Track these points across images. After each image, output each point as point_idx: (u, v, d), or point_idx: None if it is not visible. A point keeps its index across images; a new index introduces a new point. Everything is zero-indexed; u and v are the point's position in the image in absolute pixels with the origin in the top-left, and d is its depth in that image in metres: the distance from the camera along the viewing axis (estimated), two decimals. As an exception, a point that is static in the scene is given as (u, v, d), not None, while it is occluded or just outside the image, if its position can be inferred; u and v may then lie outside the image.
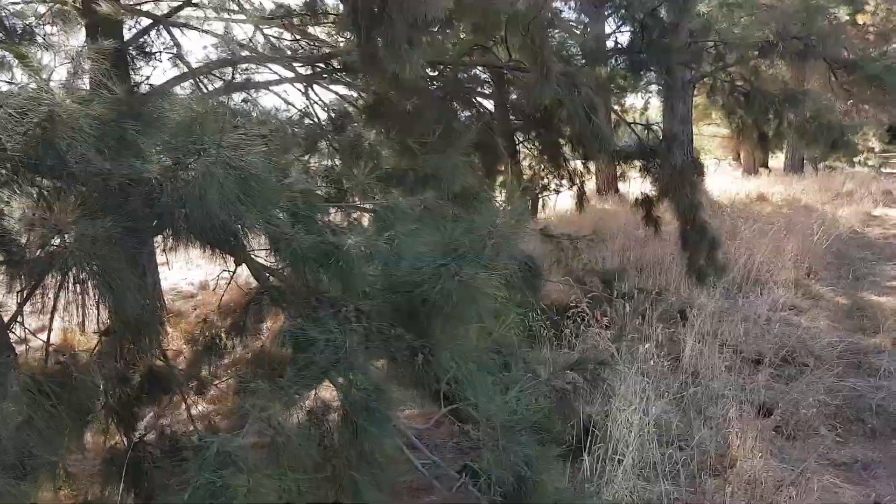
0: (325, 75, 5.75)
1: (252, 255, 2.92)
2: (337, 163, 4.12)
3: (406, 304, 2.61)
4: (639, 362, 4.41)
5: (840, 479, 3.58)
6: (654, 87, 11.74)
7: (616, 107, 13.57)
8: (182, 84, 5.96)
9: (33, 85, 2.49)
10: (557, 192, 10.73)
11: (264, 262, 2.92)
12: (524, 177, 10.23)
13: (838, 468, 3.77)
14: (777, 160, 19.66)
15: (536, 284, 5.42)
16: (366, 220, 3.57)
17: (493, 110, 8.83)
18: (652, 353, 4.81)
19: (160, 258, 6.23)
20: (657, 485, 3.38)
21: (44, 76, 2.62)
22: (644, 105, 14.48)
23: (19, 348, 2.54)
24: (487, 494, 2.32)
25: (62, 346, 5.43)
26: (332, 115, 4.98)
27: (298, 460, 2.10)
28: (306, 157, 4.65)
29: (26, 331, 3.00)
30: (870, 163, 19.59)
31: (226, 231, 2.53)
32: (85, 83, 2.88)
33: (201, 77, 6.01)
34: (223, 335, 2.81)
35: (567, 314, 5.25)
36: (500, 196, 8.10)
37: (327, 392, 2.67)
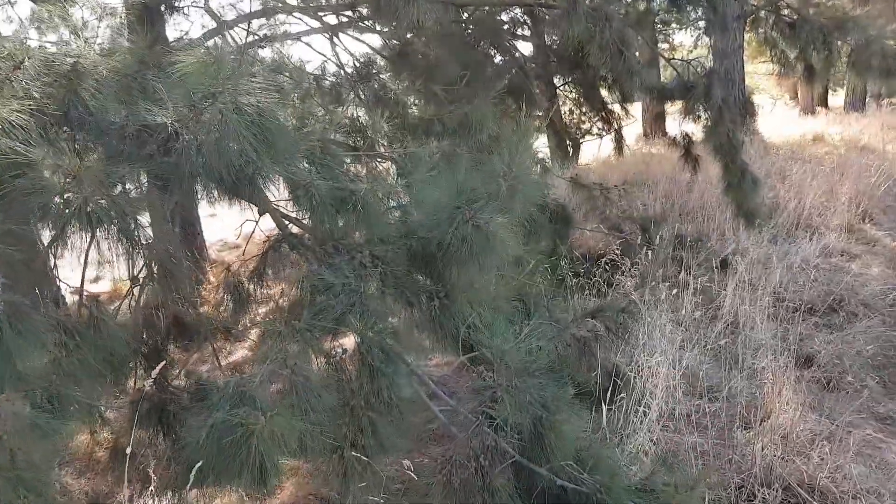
0: (351, 25, 5.71)
1: (275, 205, 3.00)
2: (361, 113, 4.12)
3: (422, 250, 2.65)
4: (670, 311, 4.38)
5: (883, 433, 3.53)
6: (703, 24, 11.28)
7: (664, 45, 13.12)
8: (215, 38, 6.01)
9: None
10: (600, 136, 10.53)
11: (285, 211, 2.99)
12: (564, 122, 10.07)
13: (882, 422, 3.72)
14: (837, 98, 18.78)
15: (566, 231, 5.40)
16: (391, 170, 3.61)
17: (530, 54, 8.65)
18: (688, 300, 4.77)
19: (209, 210, 6.38)
20: (684, 436, 3.40)
21: (84, 34, 2.69)
22: (694, 43, 13.92)
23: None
24: (506, 438, 2.38)
25: (113, 295, 5.69)
26: (358, 64, 4.95)
27: (316, 402, 2.19)
28: (330, 107, 4.67)
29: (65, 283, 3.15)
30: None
31: (243, 178, 2.59)
32: (121, 38, 2.96)
33: (231, 30, 6.04)
34: (245, 282, 2.91)
35: (599, 262, 5.23)
36: (535, 144, 8.01)
37: (350, 339, 2.76)
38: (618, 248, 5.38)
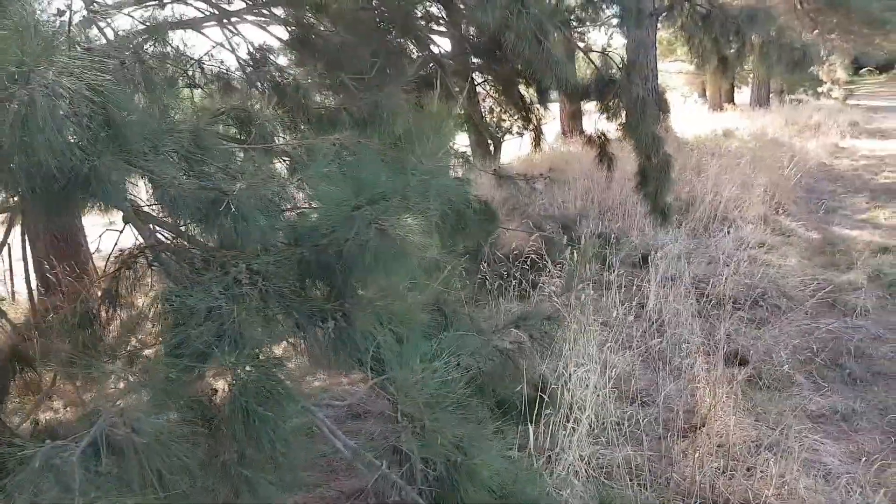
0: (249, 11, 5.13)
1: (142, 210, 2.44)
2: (255, 104, 3.58)
3: (316, 259, 2.17)
4: (595, 313, 4.06)
5: (820, 434, 3.30)
6: (616, 21, 11.21)
7: (580, 43, 13.02)
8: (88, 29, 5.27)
9: None
10: (520, 134, 10.26)
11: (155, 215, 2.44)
12: (484, 119, 9.73)
13: (817, 421, 3.50)
14: (743, 95, 19.36)
15: (491, 230, 5.02)
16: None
17: (449, 50, 8.25)
18: (612, 300, 4.48)
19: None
20: (617, 450, 3.06)
21: None
22: (608, 41, 13.92)
23: None
24: (414, 484, 1.93)
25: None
26: (252, 49, 4.41)
27: (174, 464, 1.67)
28: (213, 95, 4.08)
29: None
30: (834, 94, 19.35)
31: (78, 179, 2.03)
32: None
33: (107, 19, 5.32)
34: (98, 306, 2.33)
35: (523, 262, 4.87)
36: (455, 140, 7.62)
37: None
38: (541, 248, 5.05)
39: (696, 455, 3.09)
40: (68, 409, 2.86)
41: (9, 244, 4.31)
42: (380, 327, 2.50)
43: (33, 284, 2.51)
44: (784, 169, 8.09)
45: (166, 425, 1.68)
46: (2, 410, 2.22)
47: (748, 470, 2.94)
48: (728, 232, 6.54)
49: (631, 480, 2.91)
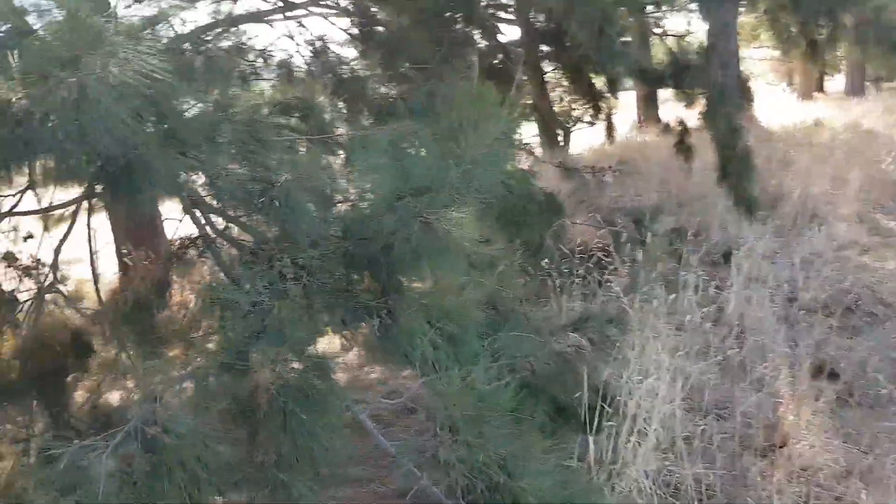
0: (313, 3, 5.11)
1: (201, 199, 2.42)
2: (315, 95, 3.54)
3: (361, 254, 2.08)
4: (667, 314, 3.81)
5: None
6: (695, 5, 10.70)
7: (655, 28, 12.52)
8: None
9: None
10: (591, 124, 9.95)
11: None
12: (552, 109, 9.48)
13: (918, 446, 3.16)
14: (835, 83, 18.19)
15: (555, 224, 4.83)
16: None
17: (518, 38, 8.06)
18: (687, 302, 4.22)
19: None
20: (687, 467, 2.85)
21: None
22: (686, 27, 13.32)
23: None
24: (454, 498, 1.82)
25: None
26: (312, 36, 4.39)
27: (205, 463, 1.62)
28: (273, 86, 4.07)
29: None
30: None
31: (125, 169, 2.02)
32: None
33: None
34: (150, 294, 2.33)
35: (589, 258, 4.66)
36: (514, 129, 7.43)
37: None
38: (609, 243, 4.83)
39: (776, 478, 2.85)
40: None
41: (93, 228, 4.44)
42: (429, 325, 2.42)
43: (98, 269, 2.55)
44: (882, 163, 7.49)
45: (196, 424, 1.63)
46: (65, 392, 2.25)
47: (836, 500, 2.68)
48: (818, 230, 6.10)
49: (700, 502, 2.70)
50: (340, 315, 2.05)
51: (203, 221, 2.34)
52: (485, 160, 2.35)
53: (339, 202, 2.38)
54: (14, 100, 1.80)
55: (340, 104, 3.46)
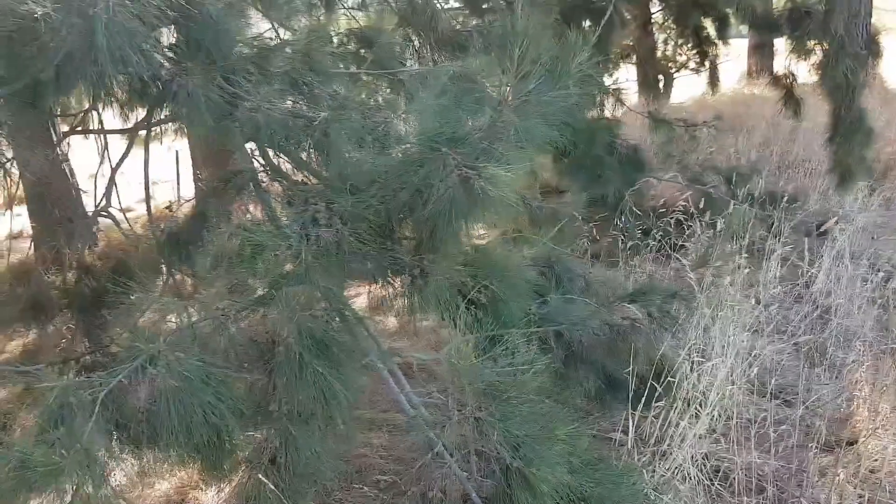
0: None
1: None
2: (382, 24, 3.30)
3: (397, 206, 1.92)
4: (747, 287, 3.47)
5: None
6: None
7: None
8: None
9: None
10: (696, 71, 9.17)
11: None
12: (655, 52, 8.76)
13: None
14: None
15: (636, 179, 4.47)
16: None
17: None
18: (771, 273, 3.83)
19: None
20: (740, 454, 2.60)
21: None
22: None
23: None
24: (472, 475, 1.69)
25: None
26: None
27: (208, 410, 1.55)
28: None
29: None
30: None
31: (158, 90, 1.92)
32: None
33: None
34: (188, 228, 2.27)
35: (669, 219, 4.29)
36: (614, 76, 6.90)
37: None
38: (694, 205, 4.42)
39: (838, 478, 2.56)
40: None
41: (177, 151, 4.46)
42: (473, 281, 2.25)
43: (152, 196, 2.53)
44: None
45: (204, 368, 1.55)
46: (102, 319, 2.27)
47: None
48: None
49: (749, 495, 2.47)
50: (370, 268, 1.91)
51: (251, 155, 2.23)
52: (554, 105, 2.10)
53: (386, 146, 2.21)
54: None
55: (414, 37, 3.23)
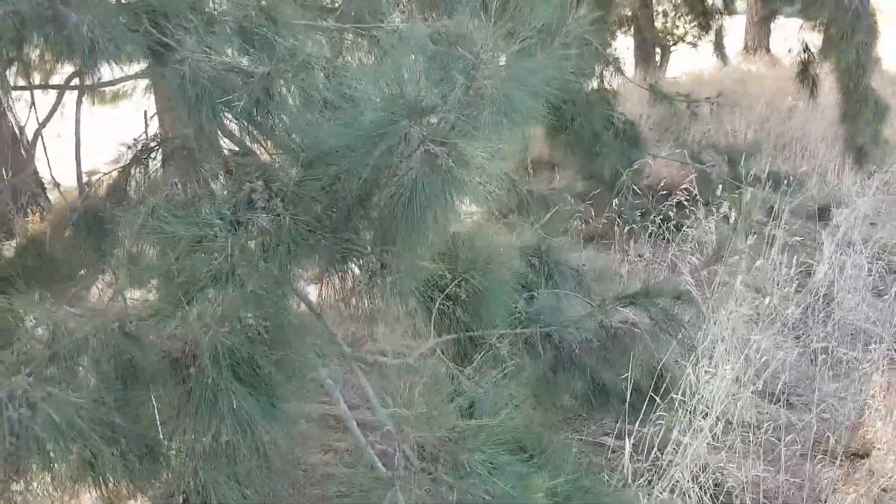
0: None
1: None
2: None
3: (351, 189, 1.48)
4: (745, 273, 3.04)
5: None
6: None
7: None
8: None
9: None
10: (693, 44, 8.63)
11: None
12: (653, 21, 8.20)
13: None
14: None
15: (634, 156, 4.02)
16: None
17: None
18: (774, 262, 3.42)
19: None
20: (744, 466, 2.23)
21: None
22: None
23: None
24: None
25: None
26: None
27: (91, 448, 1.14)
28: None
29: None
30: None
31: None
32: None
33: None
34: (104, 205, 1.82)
35: (667, 200, 3.85)
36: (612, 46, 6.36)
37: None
38: (694, 184, 3.99)
39: (850, 497, 2.20)
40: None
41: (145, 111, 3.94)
42: (451, 275, 1.83)
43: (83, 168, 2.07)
44: None
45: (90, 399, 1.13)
46: None
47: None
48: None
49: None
50: (318, 261, 1.48)
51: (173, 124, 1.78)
52: (545, 70, 1.65)
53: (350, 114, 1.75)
54: None
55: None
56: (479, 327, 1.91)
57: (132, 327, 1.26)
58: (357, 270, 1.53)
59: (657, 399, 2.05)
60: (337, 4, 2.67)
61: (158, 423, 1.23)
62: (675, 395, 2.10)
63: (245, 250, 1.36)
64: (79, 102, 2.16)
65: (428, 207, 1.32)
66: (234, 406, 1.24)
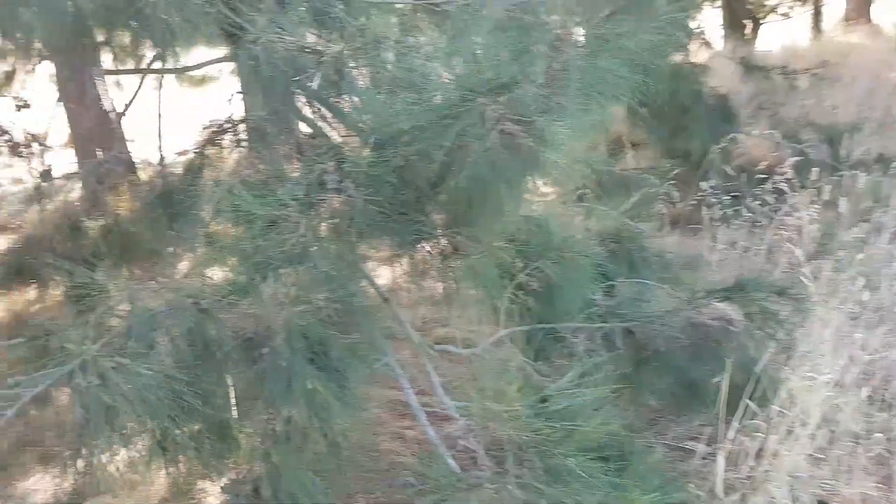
0: None
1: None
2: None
3: (427, 167, 1.42)
4: (851, 267, 2.78)
5: None
6: None
7: None
8: None
9: None
10: (787, 16, 8.05)
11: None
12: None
13: None
14: None
15: (723, 134, 3.75)
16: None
17: None
18: (888, 253, 3.11)
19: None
20: (851, 481, 2.03)
21: None
22: None
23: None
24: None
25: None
26: None
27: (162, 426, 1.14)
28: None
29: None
30: None
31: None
32: None
33: None
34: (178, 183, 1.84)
35: (761, 181, 3.57)
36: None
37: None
38: (790, 165, 3.68)
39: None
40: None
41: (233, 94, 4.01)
42: (524, 262, 1.75)
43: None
44: None
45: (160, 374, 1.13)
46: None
47: None
48: None
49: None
50: (390, 242, 1.44)
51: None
52: (633, 43, 1.53)
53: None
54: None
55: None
56: (552, 319, 1.82)
57: (207, 303, 1.26)
58: (428, 253, 1.48)
59: (751, 403, 1.89)
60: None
61: (232, 403, 1.22)
62: (770, 398, 1.93)
63: (317, 231, 1.34)
64: (160, 85, 2.22)
65: (503, 190, 1.25)
66: (308, 389, 1.22)
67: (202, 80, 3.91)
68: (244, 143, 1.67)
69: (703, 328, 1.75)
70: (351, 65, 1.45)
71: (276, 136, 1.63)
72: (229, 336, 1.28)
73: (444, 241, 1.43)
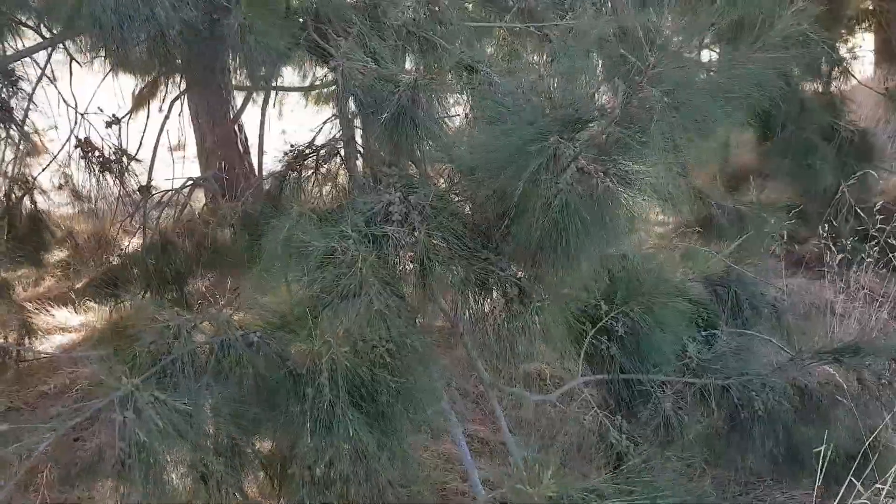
0: None
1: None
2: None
3: (497, 205, 1.29)
4: None
5: None
6: None
7: None
8: None
9: None
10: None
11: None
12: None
13: None
14: None
15: (856, 171, 3.29)
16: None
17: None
18: None
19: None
20: None
21: None
22: None
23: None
24: None
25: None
26: None
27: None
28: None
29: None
30: None
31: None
32: None
33: None
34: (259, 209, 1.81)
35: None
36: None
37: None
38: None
39: None
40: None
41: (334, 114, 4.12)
42: (607, 307, 1.57)
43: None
44: None
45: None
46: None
47: None
48: None
49: None
50: (454, 279, 1.32)
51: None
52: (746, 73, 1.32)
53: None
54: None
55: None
56: (637, 369, 1.62)
57: (255, 337, 1.21)
58: (495, 294, 1.35)
59: (862, 476, 1.58)
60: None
61: (276, 443, 1.16)
62: (881, 472, 1.61)
63: (374, 266, 1.25)
64: (264, 104, 2.25)
65: (581, 234, 1.10)
66: (350, 434, 1.13)
67: (318, 100, 3.99)
68: (321, 169, 1.63)
69: (808, 393, 1.48)
70: (423, 96, 1.35)
71: (352, 162, 1.57)
72: (278, 372, 1.23)
73: (511, 286, 1.29)
